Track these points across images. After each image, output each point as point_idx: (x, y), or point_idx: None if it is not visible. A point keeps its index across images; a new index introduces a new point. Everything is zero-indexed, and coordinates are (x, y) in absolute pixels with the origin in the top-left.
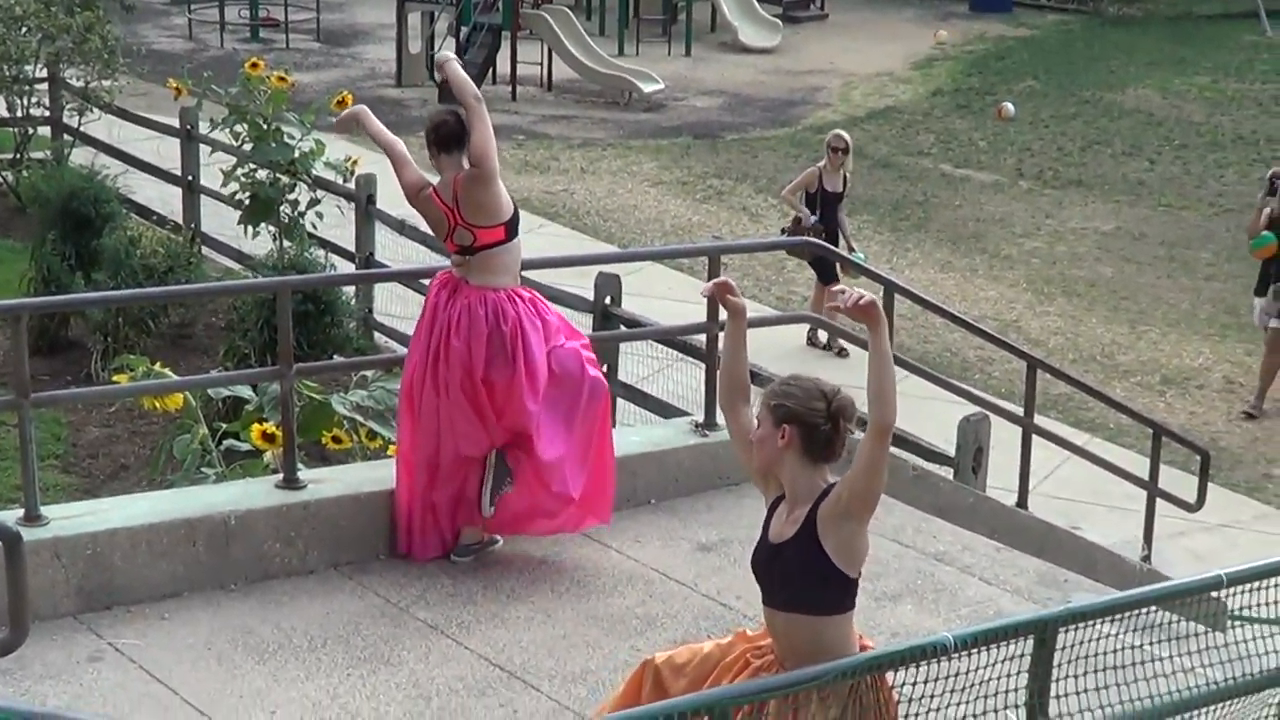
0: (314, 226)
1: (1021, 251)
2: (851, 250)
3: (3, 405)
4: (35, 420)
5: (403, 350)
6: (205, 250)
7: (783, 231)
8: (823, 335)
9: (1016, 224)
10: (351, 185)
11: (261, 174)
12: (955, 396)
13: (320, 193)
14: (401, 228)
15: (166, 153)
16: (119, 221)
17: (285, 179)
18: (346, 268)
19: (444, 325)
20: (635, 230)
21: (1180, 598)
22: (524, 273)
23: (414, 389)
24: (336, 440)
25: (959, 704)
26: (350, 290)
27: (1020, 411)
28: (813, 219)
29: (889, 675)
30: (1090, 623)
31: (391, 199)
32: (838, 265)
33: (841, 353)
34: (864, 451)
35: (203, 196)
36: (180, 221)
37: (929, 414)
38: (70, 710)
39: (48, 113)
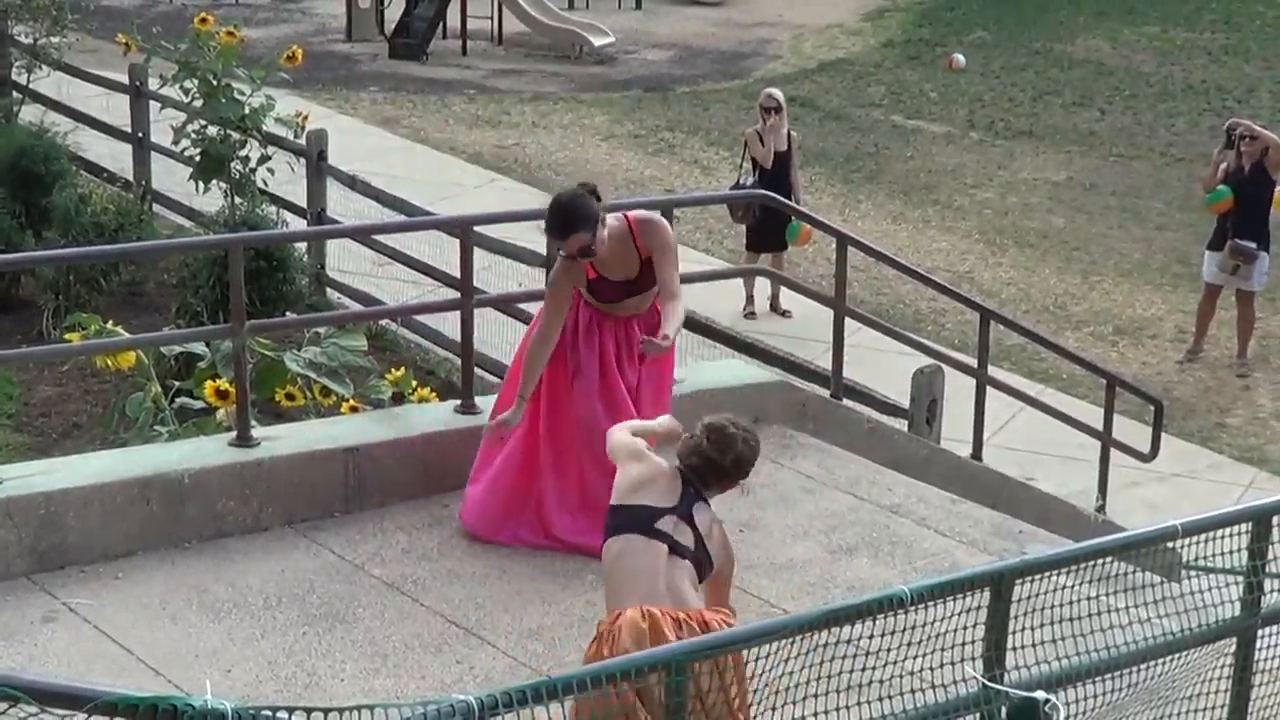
0: (265, 183)
1: (973, 202)
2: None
3: None
4: None
5: (357, 306)
6: (156, 207)
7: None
8: (782, 300)
9: (968, 175)
10: (302, 141)
11: (212, 130)
12: (908, 348)
13: (271, 149)
14: (353, 183)
15: (116, 109)
16: (69, 179)
17: (236, 135)
18: (298, 224)
19: None
20: None
21: (1136, 548)
22: (476, 228)
23: None
24: (290, 397)
25: (916, 657)
26: (302, 246)
27: (974, 363)
28: (749, 180)
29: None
30: (1046, 574)
31: (343, 154)
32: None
33: (785, 314)
34: None
35: (153, 153)
36: (131, 178)
37: (882, 366)
38: (24, 671)
39: None
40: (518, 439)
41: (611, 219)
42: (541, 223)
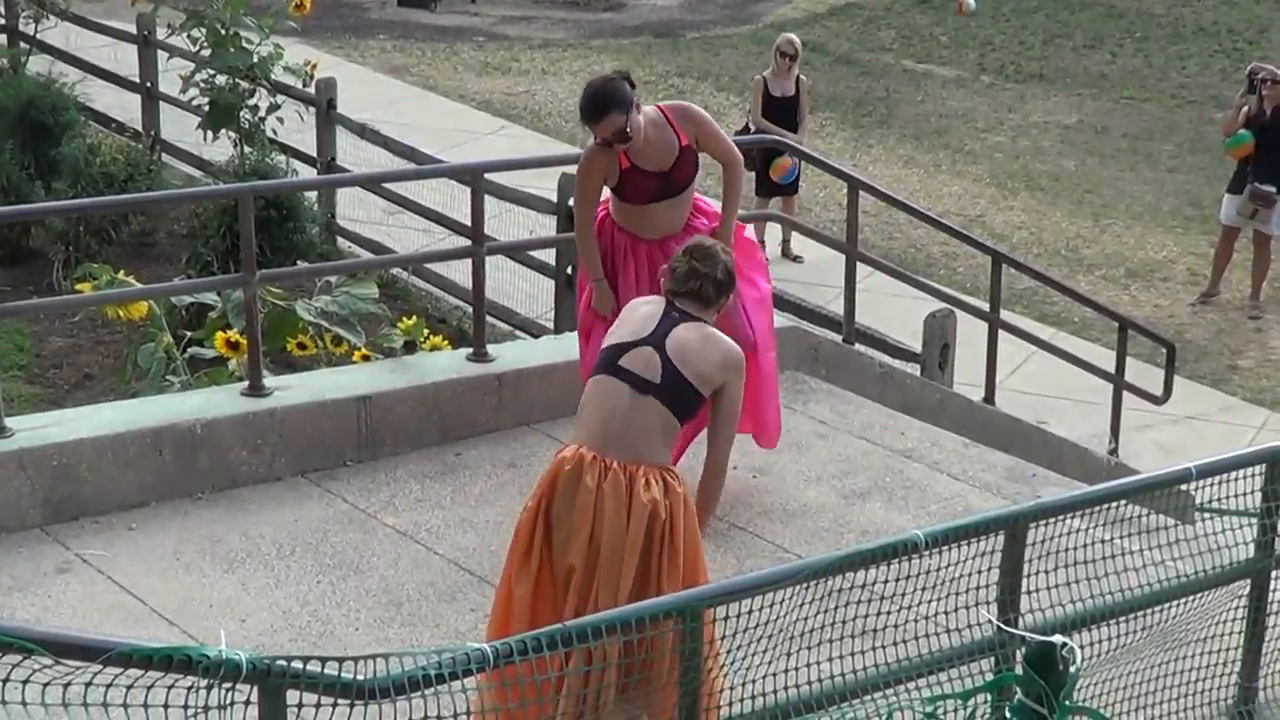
0: (274, 132)
1: (984, 146)
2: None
3: None
4: None
5: (367, 255)
6: (165, 157)
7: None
8: (793, 245)
9: (979, 119)
10: (311, 90)
11: (220, 80)
12: (920, 293)
13: (280, 98)
14: (363, 132)
15: (124, 59)
16: (78, 129)
17: (245, 84)
18: (308, 173)
19: None
20: None
21: (1150, 491)
22: (486, 175)
23: None
24: (302, 346)
25: (930, 601)
26: (313, 195)
27: (986, 307)
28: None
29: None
30: (1060, 518)
31: (352, 103)
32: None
33: (796, 259)
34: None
35: (162, 103)
36: (140, 129)
37: (895, 311)
38: (38, 623)
39: (3, 21)
40: None
41: (647, 108)
42: (554, 169)
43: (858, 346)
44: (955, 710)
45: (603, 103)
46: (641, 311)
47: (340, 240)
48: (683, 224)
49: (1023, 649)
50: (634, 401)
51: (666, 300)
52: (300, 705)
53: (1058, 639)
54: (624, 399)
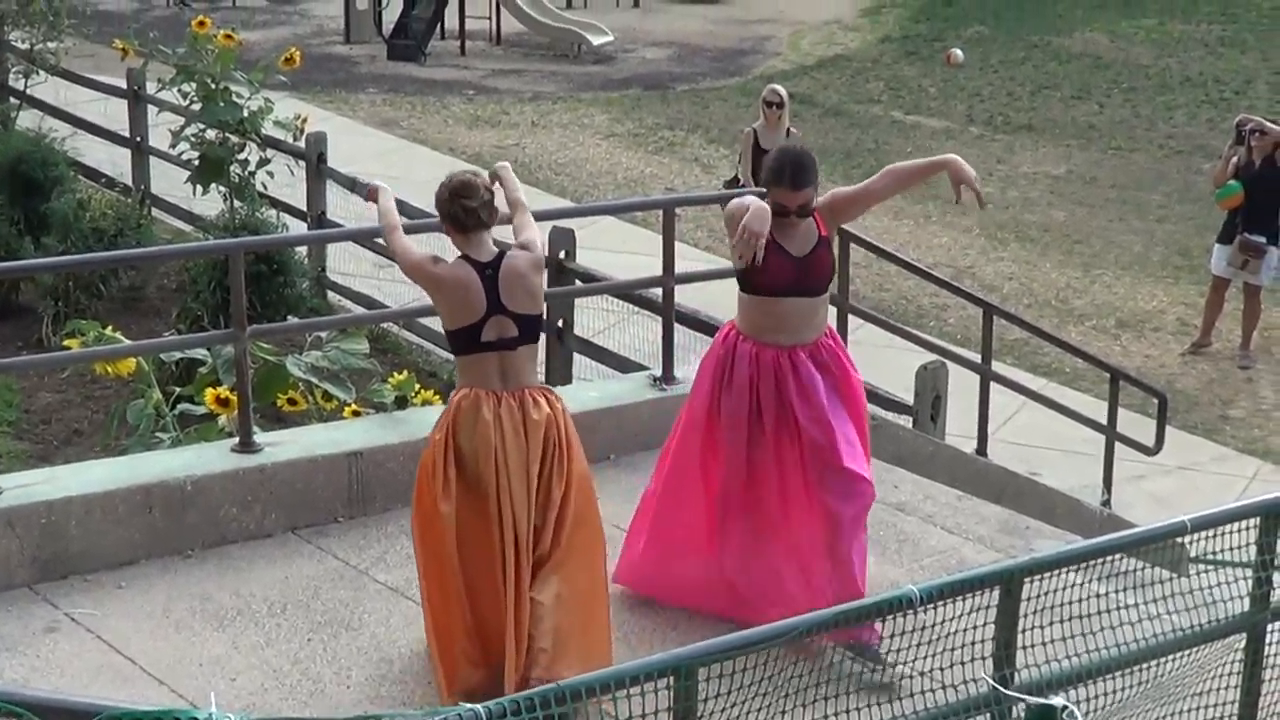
0: (264, 186)
1: (973, 197)
2: None
3: None
4: None
5: (358, 309)
6: (155, 212)
7: (724, 186)
8: None
9: None
10: (301, 144)
11: (210, 134)
12: (912, 344)
13: (270, 152)
14: (353, 185)
15: (114, 114)
16: (67, 184)
17: (234, 138)
18: (298, 227)
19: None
20: (587, 184)
21: (1145, 545)
22: None
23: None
24: (292, 402)
25: (926, 657)
26: (303, 250)
27: (977, 358)
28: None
29: None
30: (1055, 572)
31: (342, 157)
32: None
33: None
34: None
35: (152, 157)
36: (129, 183)
37: (886, 363)
38: (26, 685)
39: None
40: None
41: None
42: (545, 222)
43: None
44: None
45: (807, 174)
46: (460, 290)
47: (331, 294)
48: (813, 339)
49: (1020, 706)
50: (508, 356)
51: (464, 260)
52: None
53: (1058, 701)
54: (498, 360)
